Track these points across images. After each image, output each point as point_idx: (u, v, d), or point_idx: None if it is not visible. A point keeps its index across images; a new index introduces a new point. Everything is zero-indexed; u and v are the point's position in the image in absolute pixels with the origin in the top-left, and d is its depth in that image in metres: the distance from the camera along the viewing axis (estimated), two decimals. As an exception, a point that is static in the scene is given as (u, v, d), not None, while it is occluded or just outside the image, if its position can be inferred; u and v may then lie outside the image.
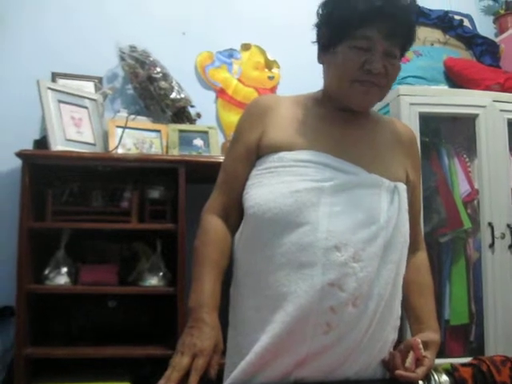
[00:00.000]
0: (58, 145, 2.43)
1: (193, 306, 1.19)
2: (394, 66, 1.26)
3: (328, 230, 1.16)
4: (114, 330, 2.52)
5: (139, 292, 2.47)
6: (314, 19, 1.32)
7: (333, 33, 1.25)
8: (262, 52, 3.12)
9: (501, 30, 3.20)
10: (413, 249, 1.35)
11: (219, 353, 1.14)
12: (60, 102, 2.54)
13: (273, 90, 3.10)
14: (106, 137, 2.64)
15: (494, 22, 3.27)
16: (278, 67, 3.13)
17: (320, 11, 1.30)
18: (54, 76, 2.76)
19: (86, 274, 2.41)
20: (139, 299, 2.54)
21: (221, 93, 3.04)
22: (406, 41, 1.27)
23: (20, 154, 2.34)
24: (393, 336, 1.27)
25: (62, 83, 2.71)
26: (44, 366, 2.38)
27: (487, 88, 2.69)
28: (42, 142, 2.48)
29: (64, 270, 2.39)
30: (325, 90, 1.35)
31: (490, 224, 2.45)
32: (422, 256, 1.43)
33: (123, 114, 2.72)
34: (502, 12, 3.22)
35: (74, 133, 2.53)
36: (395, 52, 1.25)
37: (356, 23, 1.20)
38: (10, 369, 2.33)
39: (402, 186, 1.29)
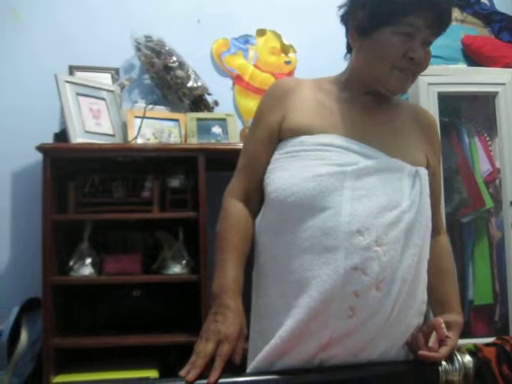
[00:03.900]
0: (77, 137, 2.45)
1: (216, 291, 1.20)
2: (428, 53, 1.26)
3: (351, 214, 1.16)
4: (139, 318, 2.55)
5: (163, 280, 2.49)
6: (333, 1, 1.31)
7: (374, 17, 1.23)
8: (278, 37, 3.10)
9: (519, 6, 3.14)
10: (434, 233, 1.33)
11: (243, 338, 1.15)
12: (78, 94, 2.56)
13: (290, 74, 3.08)
14: (124, 127, 2.65)
15: (513, -3, 3.21)
16: (295, 51, 3.11)
17: None
18: (72, 69, 2.77)
19: (109, 264, 2.44)
20: (163, 287, 2.56)
21: (237, 79, 3.03)
22: (443, 29, 1.27)
23: (40, 148, 2.35)
24: (417, 320, 1.26)
25: (79, 76, 2.72)
26: (71, 356, 2.42)
27: (506, 65, 2.65)
28: (61, 135, 2.50)
29: (88, 260, 2.42)
30: (352, 72, 1.33)
31: (512, 203, 2.43)
32: (444, 240, 1.42)
33: (141, 104, 2.73)
34: (521, -13, 3.16)
35: (93, 125, 2.55)
36: (431, 40, 1.26)
37: (404, 10, 1.19)
38: (39, 359, 2.37)
39: (423, 171, 1.28)
